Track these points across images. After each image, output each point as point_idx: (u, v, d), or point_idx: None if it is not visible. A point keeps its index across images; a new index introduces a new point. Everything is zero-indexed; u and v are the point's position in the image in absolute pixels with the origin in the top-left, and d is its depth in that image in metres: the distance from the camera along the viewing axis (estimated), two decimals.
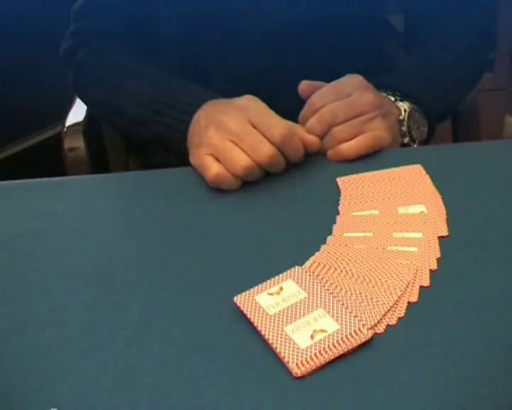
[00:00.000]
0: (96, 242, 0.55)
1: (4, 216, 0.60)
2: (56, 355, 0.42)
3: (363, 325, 0.42)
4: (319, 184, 0.60)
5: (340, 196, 0.58)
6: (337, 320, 0.42)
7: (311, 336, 0.41)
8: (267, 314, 0.43)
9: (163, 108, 0.69)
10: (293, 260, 0.49)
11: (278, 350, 0.41)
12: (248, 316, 0.43)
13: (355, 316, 0.43)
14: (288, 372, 0.39)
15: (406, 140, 0.69)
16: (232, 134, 0.59)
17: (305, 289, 0.45)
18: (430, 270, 0.47)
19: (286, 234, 0.53)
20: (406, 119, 0.68)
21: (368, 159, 0.63)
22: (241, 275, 0.48)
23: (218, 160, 0.59)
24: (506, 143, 0.73)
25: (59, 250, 0.54)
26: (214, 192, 0.60)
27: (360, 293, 0.45)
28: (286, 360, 0.40)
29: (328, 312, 0.43)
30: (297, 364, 0.39)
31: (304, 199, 0.58)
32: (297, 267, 0.48)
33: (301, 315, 0.43)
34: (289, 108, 0.62)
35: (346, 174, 0.60)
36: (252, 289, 0.46)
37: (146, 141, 0.82)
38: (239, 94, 0.63)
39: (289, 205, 0.57)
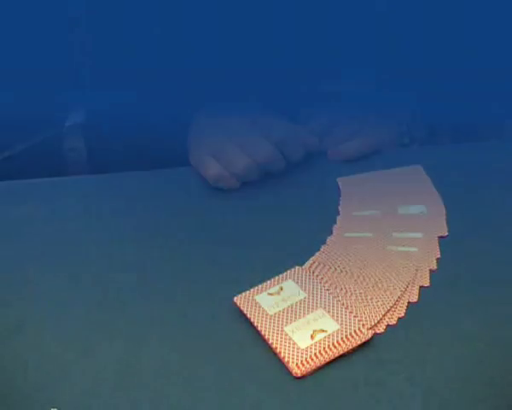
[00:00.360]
0: (96, 242, 0.55)
1: (4, 216, 0.60)
2: (57, 355, 0.42)
3: (363, 324, 0.42)
4: (319, 184, 0.60)
5: (340, 196, 0.58)
6: (337, 320, 0.42)
7: (311, 336, 0.41)
8: (267, 314, 0.43)
9: (163, 108, 0.69)
10: (293, 260, 0.49)
11: (278, 350, 0.41)
12: (248, 316, 0.43)
13: (355, 316, 0.43)
14: (288, 372, 0.39)
15: (406, 140, 0.69)
16: (232, 134, 0.59)
17: (305, 290, 0.45)
18: (430, 270, 0.47)
19: (286, 234, 0.53)
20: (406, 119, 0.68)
21: (368, 159, 0.63)
22: (241, 275, 0.48)
23: (217, 160, 0.59)
24: (506, 143, 0.73)
25: (59, 250, 0.54)
26: (214, 192, 0.60)
27: (360, 293, 0.45)
28: (286, 360, 0.40)
29: (328, 312, 0.43)
30: (297, 364, 0.39)
31: (304, 199, 0.58)
32: (297, 267, 0.48)
33: (301, 315, 0.43)
34: (289, 108, 0.62)
35: (346, 174, 0.60)
36: (252, 290, 0.46)
37: (146, 141, 0.82)
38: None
39: (289, 205, 0.57)
